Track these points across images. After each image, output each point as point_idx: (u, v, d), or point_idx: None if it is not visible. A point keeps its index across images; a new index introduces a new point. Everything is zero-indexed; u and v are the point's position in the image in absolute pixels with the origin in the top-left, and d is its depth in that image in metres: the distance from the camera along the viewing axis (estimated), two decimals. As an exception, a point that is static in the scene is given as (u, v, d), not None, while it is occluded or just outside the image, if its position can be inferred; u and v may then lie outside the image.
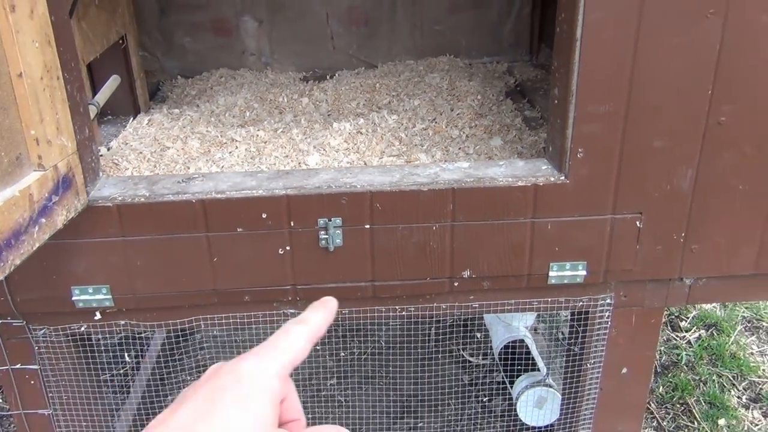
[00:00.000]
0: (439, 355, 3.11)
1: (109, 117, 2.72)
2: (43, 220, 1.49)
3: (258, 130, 2.51)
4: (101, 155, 2.29)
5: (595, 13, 1.58)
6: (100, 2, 2.40)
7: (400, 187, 1.77)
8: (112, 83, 2.42)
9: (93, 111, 2.20)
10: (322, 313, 0.62)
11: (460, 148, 2.32)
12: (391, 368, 3.08)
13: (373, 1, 3.21)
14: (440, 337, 3.18)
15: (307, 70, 3.32)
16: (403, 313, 1.94)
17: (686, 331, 3.49)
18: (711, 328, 3.52)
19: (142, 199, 1.75)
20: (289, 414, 0.58)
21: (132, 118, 2.71)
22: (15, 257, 1.41)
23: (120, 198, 1.75)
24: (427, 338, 3.16)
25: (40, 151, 1.48)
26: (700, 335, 3.46)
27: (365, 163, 2.21)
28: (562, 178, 1.77)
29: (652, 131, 1.72)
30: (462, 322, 3.35)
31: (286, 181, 1.82)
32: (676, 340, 3.44)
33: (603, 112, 1.68)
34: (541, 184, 1.76)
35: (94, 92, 2.51)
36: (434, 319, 2.01)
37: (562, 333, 3.05)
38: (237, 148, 2.38)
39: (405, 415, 2.91)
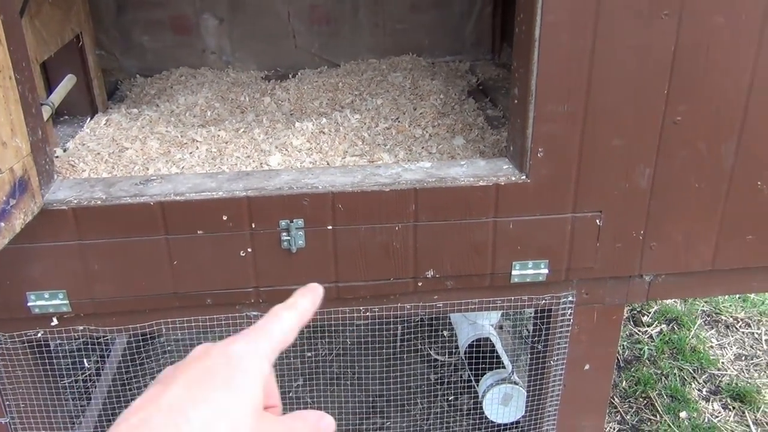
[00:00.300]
0: (406, 354, 3.12)
1: (66, 117, 2.66)
2: (2, 224, 1.45)
3: (219, 130, 2.48)
4: (57, 156, 2.24)
5: (552, 15, 1.60)
6: (54, 0, 2.34)
7: (362, 188, 1.76)
8: (67, 83, 2.37)
9: (47, 112, 2.15)
10: (309, 298, 0.61)
11: (423, 148, 2.32)
12: (357, 368, 3.07)
13: (335, 0, 3.19)
14: (407, 335, 3.18)
15: (269, 69, 3.29)
16: (368, 313, 1.93)
17: (648, 326, 3.55)
18: (672, 322, 3.59)
19: (99, 202, 1.71)
20: (268, 400, 0.57)
21: (89, 119, 2.65)
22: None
23: (75, 201, 1.71)
24: (393, 337, 3.16)
25: (-6, 154, 1.45)
26: (661, 330, 3.53)
27: (328, 163, 2.19)
28: (523, 177, 1.78)
29: (610, 130, 1.74)
30: (428, 321, 3.36)
31: (246, 182, 1.80)
32: (638, 334, 3.49)
33: (562, 112, 1.70)
34: (503, 183, 1.77)
35: (50, 92, 2.45)
36: (400, 318, 2.00)
37: (528, 330, 3.08)
38: (198, 148, 2.35)
39: (372, 414, 2.91)
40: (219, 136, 2.45)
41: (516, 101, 1.78)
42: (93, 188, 1.77)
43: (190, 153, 2.30)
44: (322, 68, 3.27)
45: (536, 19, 1.61)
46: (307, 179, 1.81)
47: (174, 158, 2.26)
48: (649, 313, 3.66)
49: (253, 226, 1.76)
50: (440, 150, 2.29)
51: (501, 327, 3.09)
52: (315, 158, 2.25)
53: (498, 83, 2.98)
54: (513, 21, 2.71)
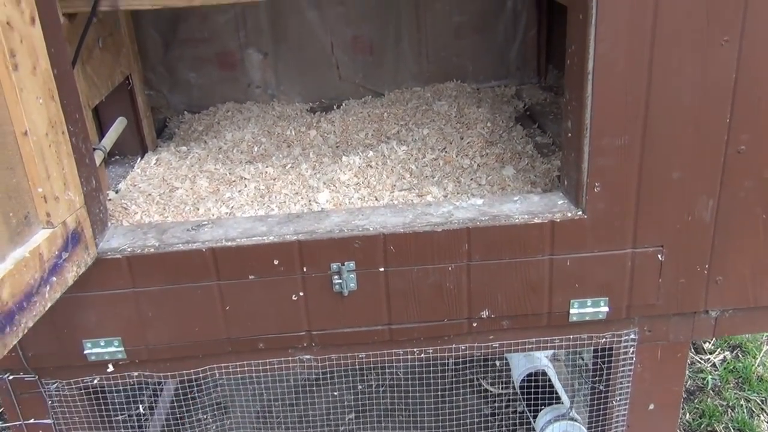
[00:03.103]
0: (459, 386, 3.05)
1: (117, 157, 2.70)
2: (54, 278, 1.47)
3: (267, 166, 2.49)
4: (110, 199, 2.27)
5: (606, 46, 1.54)
6: (104, 44, 2.39)
7: (413, 229, 1.73)
8: (118, 126, 2.40)
9: (100, 156, 2.18)
10: None
11: (472, 179, 2.28)
12: (410, 400, 3.02)
13: (378, 29, 3.19)
14: (459, 367, 3.12)
15: (313, 101, 3.30)
16: (422, 355, 1.89)
17: (710, 354, 3.41)
18: (735, 349, 3.44)
19: (152, 249, 1.72)
20: None
21: (140, 158, 2.69)
22: (27, 320, 1.39)
23: (129, 249, 1.72)
24: (446, 369, 3.10)
25: (48, 209, 1.46)
26: (724, 357, 3.39)
27: (376, 199, 2.17)
28: (579, 213, 1.73)
29: (670, 162, 1.67)
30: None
31: (297, 225, 1.78)
32: (700, 363, 3.36)
33: (619, 145, 1.64)
34: (558, 220, 1.72)
35: (101, 134, 2.50)
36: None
37: (585, 363, 2.99)
38: (246, 186, 2.35)
39: (425, 448, 2.86)
40: (266, 172, 2.45)
41: (569, 135, 1.73)
42: (146, 235, 1.78)
43: (239, 191, 2.31)
44: (366, 98, 3.26)
45: (588, 51, 1.56)
46: (357, 220, 1.78)
47: (223, 197, 2.27)
48: (711, 339, 3.52)
49: (305, 269, 1.74)
50: (490, 181, 2.24)
51: (556, 358, 3.01)
52: (363, 193, 2.24)
53: (546, 108, 2.92)
54: (558, 42, 2.64)
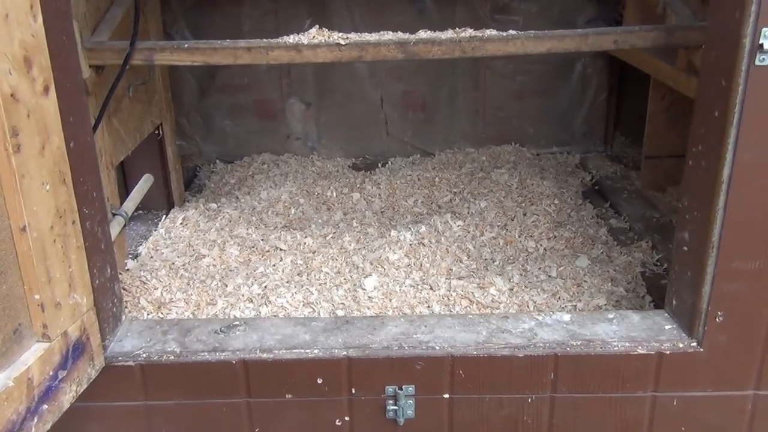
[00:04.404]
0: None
1: (141, 212, 2.44)
2: (45, 406, 1.18)
3: (305, 236, 2.20)
4: (127, 269, 2.00)
5: (750, 153, 1.25)
6: (135, 93, 2.13)
7: (488, 351, 1.42)
8: (143, 185, 2.13)
9: (120, 223, 1.91)
10: None
11: (540, 268, 1.98)
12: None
13: (432, 85, 2.92)
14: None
15: (356, 156, 3.02)
16: (485, 496, 1.57)
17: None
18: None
19: (171, 357, 1.43)
20: None
21: (165, 215, 2.42)
22: (4, 465, 1.10)
23: (145, 354, 1.43)
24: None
25: (45, 319, 1.18)
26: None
27: (431, 287, 1.88)
28: (694, 344, 1.41)
29: (812, 293, 1.36)
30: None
31: (347, 335, 1.49)
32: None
33: (751, 270, 1.34)
34: (667, 352, 1.41)
35: (126, 190, 2.24)
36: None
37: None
38: (282, 260, 2.07)
39: None
40: (305, 243, 2.17)
41: (685, 248, 1.42)
42: (165, 336, 1.50)
43: (273, 266, 2.03)
44: (414, 157, 2.98)
45: (725, 156, 1.26)
46: (419, 334, 1.48)
47: (255, 272, 1.99)
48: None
49: (353, 391, 1.44)
50: (561, 273, 1.94)
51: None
52: (415, 278, 1.95)
53: (617, 183, 2.62)
54: (627, 109, 2.34)
